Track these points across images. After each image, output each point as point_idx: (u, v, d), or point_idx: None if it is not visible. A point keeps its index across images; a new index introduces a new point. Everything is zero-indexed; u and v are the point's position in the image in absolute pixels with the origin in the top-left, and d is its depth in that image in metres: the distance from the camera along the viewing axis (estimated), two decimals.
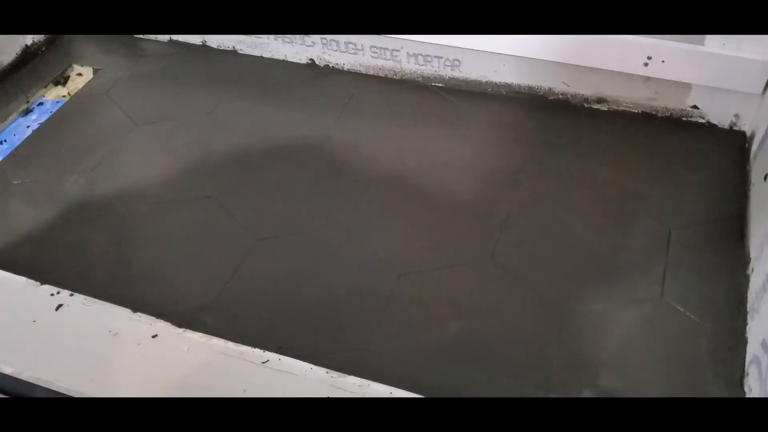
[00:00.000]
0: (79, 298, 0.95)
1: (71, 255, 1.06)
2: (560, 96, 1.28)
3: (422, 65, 1.32)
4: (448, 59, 1.29)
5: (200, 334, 0.90)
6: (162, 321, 0.91)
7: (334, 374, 0.85)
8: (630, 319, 0.93)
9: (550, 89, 1.28)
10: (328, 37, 1.34)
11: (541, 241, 1.04)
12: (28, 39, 1.45)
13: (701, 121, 1.22)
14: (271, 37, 1.40)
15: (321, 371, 0.85)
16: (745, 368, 0.86)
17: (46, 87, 1.41)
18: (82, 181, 1.18)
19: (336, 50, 1.36)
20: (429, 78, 1.34)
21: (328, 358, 0.89)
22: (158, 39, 1.50)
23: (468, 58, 1.28)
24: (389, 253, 1.03)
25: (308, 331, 0.94)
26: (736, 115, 1.19)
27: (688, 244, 1.02)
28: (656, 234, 1.04)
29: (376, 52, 1.33)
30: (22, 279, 0.97)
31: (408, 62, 1.33)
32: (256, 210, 1.12)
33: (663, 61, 1.14)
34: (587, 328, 0.93)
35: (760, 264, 0.91)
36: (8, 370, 0.86)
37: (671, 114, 1.23)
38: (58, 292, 0.95)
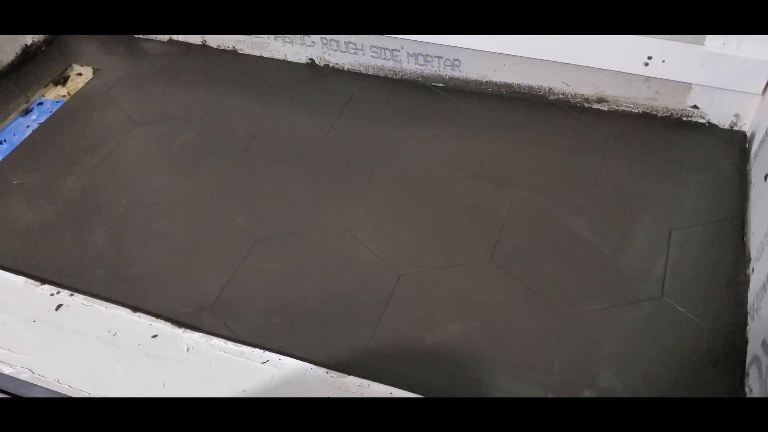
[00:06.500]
0: (79, 298, 0.95)
1: (71, 255, 1.05)
2: (560, 96, 1.28)
3: (422, 65, 1.32)
4: (448, 59, 1.29)
5: (200, 334, 0.90)
6: (162, 321, 0.92)
7: (334, 374, 0.85)
8: (630, 319, 0.93)
9: (550, 89, 1.28)
10: (328, 37, 1.34)
11: (541, 241, 1.04)
12: (28, 39, 1.45)
13: (701, 121, 1.22)
14: (271, 37, 1.40)
15: (321, 371, 0.85)
16: (746, 368, 0.86)
17: (46, 87, 1.41)
18: (82, 181, 1.18)
19: (336, 50, 1.36)
20: (429, 78, 1.34)
21: (328, 358, 0.89)
22: (158, 39, 1.50)
23: (468, 58, 1.28)
24: (389, 253, 1.03)
25: (308, 331, 0.94)
26: (736, 115, 1.19)
27: (688, 244, 1.02)
28: (656, 234, 1.04)
29: (376, 52, 1.33)
30: (22, 279, 0.97)
31: (408, 62, 1.33)
32: (256, 210, 1.12)
33: (663, 61, 1.14)
34: (587, 328, 0.93)
35: (760, 264, 0.91)
36: (8, 370, 0.86)
37: (671, 114, 1.23)
38: (58, 292, 0.95)
